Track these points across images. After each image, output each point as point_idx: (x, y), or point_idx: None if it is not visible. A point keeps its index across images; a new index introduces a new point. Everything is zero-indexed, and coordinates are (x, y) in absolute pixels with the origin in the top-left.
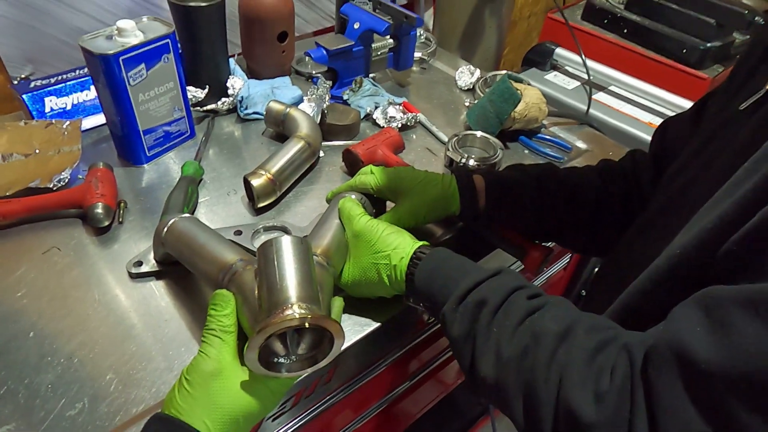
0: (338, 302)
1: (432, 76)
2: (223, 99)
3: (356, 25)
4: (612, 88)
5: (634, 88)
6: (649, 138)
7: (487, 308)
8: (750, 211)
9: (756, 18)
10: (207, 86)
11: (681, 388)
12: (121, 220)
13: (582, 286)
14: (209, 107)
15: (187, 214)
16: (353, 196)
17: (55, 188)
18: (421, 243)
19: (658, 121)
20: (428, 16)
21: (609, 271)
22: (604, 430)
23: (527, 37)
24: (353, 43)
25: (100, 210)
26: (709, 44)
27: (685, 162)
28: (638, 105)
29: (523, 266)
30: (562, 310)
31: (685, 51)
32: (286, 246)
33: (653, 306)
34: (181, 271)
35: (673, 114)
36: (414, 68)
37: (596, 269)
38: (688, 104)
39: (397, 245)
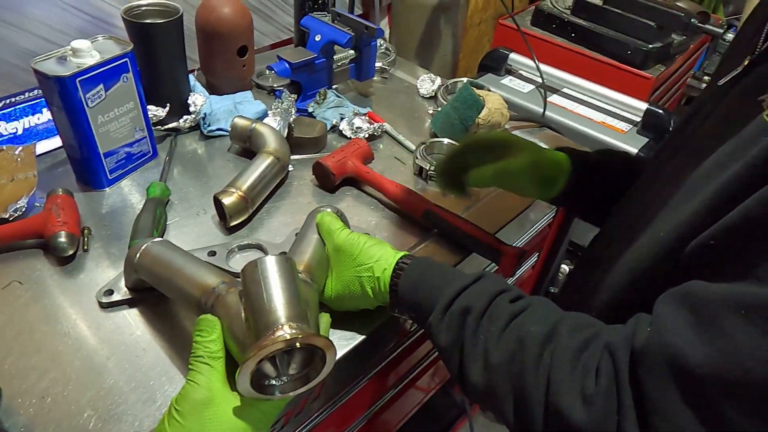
0: (325, 318)
1: (393, 86)
2: (185, 116)
3: (317, 38)
4: (565, 90)
5: (585, 90)
6: (603, 137)
7: (471, 316)
8: (731, 200)
9: (692, 20)
10: (167, 104)
11: (674, 391)
12: (86, 247)
13: (550, 284)
14: (171, 125)
15: (159, 238)
16: (329, 210)
17: (11, 218)
18: (402, 253)
19: (610, 120)
20: (383, 26)
21: (590, 253)
22: (594, 431)
23: (479, 44)
24: (315, 55)
25: (63, 239)
26: (651, 45)
27: (667, 140)
28: (590, 105)
29: (497, 268)
30: (545, 312)
31: (629, 53)
32: (271, 266)
33: (641, 290)
34: (155, 297)
35: (624, 113)
36: (375, 78)
37: (563, 266)
38: (636, 103)
39: (379, 257)
